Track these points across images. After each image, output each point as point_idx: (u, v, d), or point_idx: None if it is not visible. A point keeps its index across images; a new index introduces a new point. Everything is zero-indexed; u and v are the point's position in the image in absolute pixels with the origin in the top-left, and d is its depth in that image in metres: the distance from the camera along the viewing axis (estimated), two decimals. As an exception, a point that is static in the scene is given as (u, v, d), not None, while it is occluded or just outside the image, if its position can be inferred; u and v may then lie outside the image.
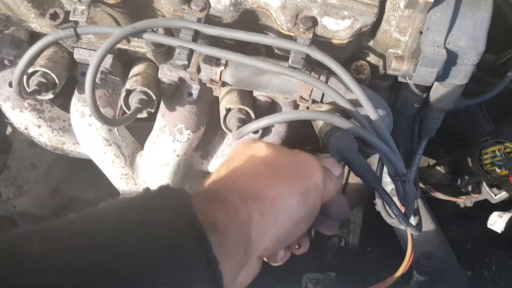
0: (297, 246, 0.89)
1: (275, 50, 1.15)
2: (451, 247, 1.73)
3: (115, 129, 1.34)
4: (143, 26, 0.99)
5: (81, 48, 1.23)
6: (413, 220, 1.23)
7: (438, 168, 1.94)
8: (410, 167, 1.34)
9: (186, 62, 0.99)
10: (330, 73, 1.05)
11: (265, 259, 0.86)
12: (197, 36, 1.00)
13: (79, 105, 1.29)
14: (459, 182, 1.75)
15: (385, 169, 1.34)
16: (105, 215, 0.58)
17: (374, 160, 1.53)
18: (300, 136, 1.37)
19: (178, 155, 1.32)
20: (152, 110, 1.23)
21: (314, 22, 1.00)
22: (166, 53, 1.19)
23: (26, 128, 1.36)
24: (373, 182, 1.02)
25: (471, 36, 1.01)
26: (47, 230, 0.53)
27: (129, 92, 1.20)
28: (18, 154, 1.67)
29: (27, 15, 1.21)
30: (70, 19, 1.02)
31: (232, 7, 1.01)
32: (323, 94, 1.08)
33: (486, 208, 1.65)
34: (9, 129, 1.74)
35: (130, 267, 0.51)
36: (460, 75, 1.06)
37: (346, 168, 1.07)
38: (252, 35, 0.99)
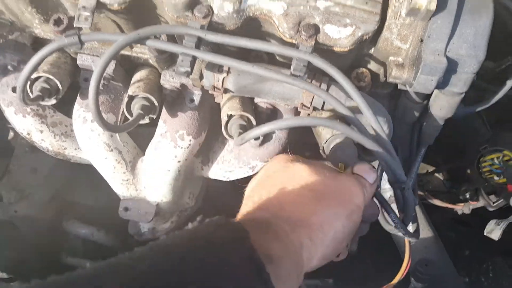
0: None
1: (277, 57, 1.16)
2: (449, 253, 1.74)
3: (117, 134, 1.34)
4: (147, 33, 1.00)
5: (84, 53, 1.24)
6: (411, 227, 1.24)
7: (436, 174, 1.95)
8: (409, 174, 1.35)
9: (189, 69, 1.00)
10: (332, 80, 1.05)
11: None
12: (200, 43, 1.01)
13: (82, 110, 1.29)
14: (457, 189, 1.76)
15: (384, 176, 1.35)
16: (171, 253, 0.62)
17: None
18: (301, 143, 1.38)
19: (179, 161, 1.33)
20: (154, 116, 1.24)
21: (316, 29, 1.01)
22: (169, 59, 1.19)
23: (28, 133, 1.37)
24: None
25: (471, 44, 1.02)
26: (117, 269, 0.57)
27: (131, 98, 1.21)
28: (19, 159, 1.67)
29: (31, 20, 1.22)
30: (74, 25, 1.03)
31: (235, 14, 1.02)
32: (324, 102, 1.09)
33: (484, 215, 1.66)
34: (11, 134, 1.75)
35: None
36: (460, 83, 1.07)
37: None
38: (255, 42, 1.00)
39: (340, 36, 1.02)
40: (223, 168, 1.40)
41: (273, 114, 1.24)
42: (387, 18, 1.04)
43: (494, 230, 1.49)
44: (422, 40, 1.03)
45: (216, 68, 1.08)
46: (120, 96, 1.32)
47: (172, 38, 1.11)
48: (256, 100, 1.21)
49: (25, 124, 1.35)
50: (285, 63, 1.14)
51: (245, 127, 1.16)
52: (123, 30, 1.17)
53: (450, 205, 1.77)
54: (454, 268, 1.71)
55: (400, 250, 1.72)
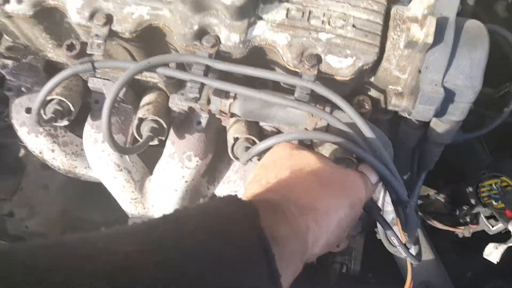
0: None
1: (282, 84, 1.19)
2: (450, 276, 1.75)
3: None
4: (157, 61, 1.03)
5: (95, 77, 1.28)
6: (413, 249, 1.25)
7: (437, 197, 1.96)
8: (410, 198, 1.36)
9: (198, 95, 1.03)
10: (334, 106, 1.08)
11: None
12: (208, 70, 1.04)
13: (92, 131, 1.33)
14: (458, 212, 1.78)
15: (386, 199, 1.36)
16: (186, 222, 0.64)
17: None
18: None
19: (186, 181, 1.37)
20: (163, 138, 1.27)
21: (318, 59, 1.04)
22: (177, 83, 1.23)
23: (40, 152, 1.41)
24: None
25: (468, 75, 1.04)
26: (135, 232, 0.60)
27: (141, 120, 1.25)
28: (31, 176, 1.71)
29: (45, 45, 1.26)
30: (87, 52, 1.07)
31: (241, 44, 1.06)
32: (327, 126, 1.11)
33: (484, 238, 1.67)
34: (22, 151, 1.78)
35: (206, 268, 0.57)
36: (457, 112, 1.09)
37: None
38: (260, 71, 1.03)
39: (342, 66, 1.05)
40: (229, 188, 1.44)
41: (277, 137, 1.26)
42: (386, 49, 1.08)
43: (492, 253, 1.50)
44: (420, 71, 1.05)
45: (223, 94, 1.11)
46: (129, 117, 1.36)
47: (181, 65, 1.15)
48: (261, 123, 1.24)
49: (38, 144, 1.40)
50: (289, 89, 1.16)
51: (251, 150, 1.19)
52: (134, 56, 1.21)
53: (451, 228, 1.78)
54: (455, 290, 1.73)
55: (403, 272, 1.74)
